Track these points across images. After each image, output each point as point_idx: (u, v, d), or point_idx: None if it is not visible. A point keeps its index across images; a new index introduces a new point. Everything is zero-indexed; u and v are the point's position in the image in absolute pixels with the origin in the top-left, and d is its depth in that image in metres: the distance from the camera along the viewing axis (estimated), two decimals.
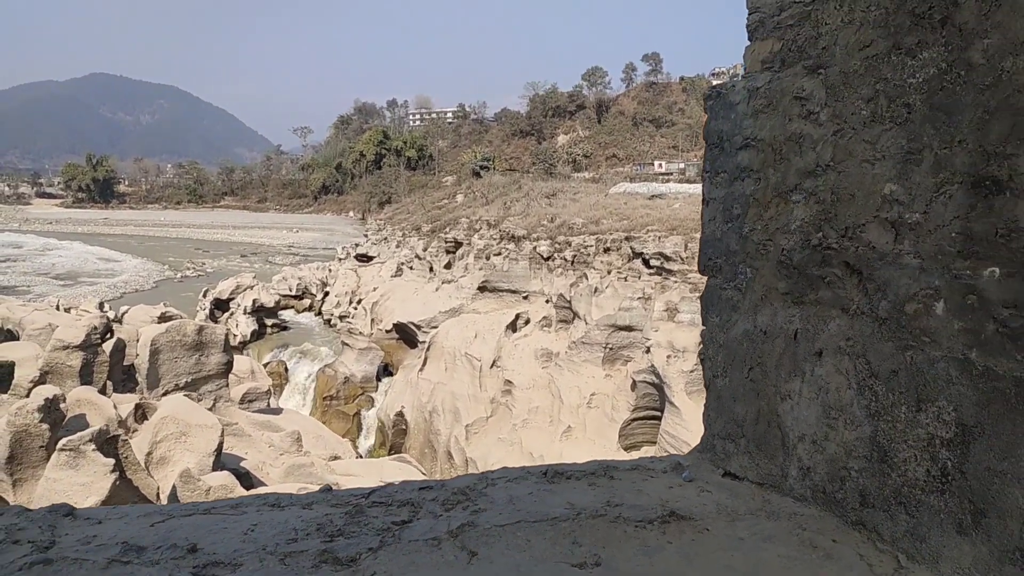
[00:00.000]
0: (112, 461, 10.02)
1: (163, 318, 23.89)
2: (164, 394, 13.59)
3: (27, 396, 10.71)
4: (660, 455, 2.96)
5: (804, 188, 2.46)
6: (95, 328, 13.53)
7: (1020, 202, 1.87)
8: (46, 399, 10.11)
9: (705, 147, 2.89)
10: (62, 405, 10.42)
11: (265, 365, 28.53)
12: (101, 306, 25.88)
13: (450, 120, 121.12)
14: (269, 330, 36.36)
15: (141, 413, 12.07)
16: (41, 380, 12.19)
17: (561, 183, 49.24)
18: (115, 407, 11.02)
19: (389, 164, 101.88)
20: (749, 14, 2.71)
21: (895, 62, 2.18)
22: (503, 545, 2.15)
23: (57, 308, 22.34)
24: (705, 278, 2.89)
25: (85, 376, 13.05)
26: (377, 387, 29.70)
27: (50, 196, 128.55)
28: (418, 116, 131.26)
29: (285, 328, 37.90)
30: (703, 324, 2.89)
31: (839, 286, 2.35)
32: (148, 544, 2.12)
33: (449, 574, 2.00)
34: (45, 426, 10.08)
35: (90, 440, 9.54)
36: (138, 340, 14.88)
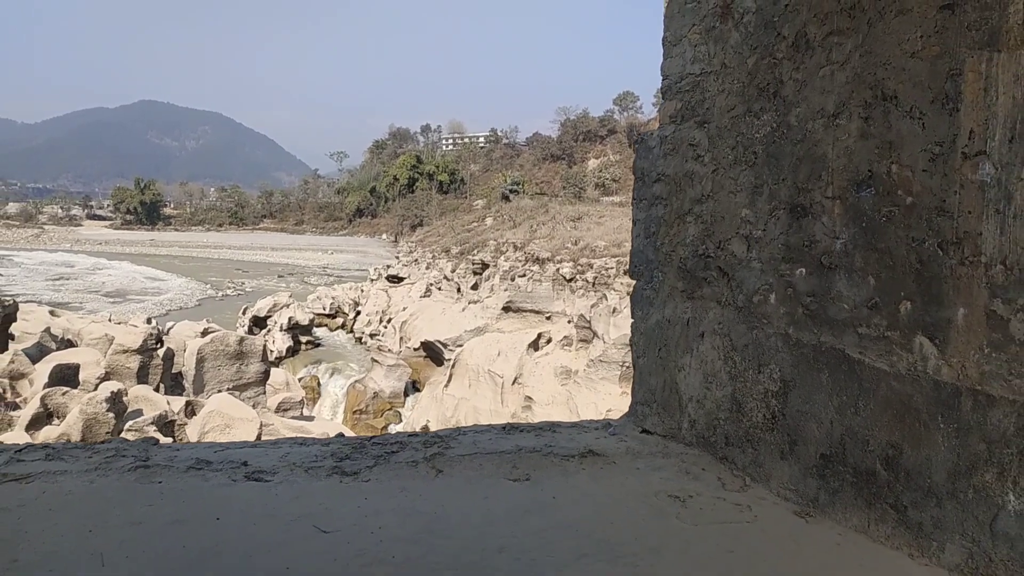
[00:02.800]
0: (170, 440, 11.31)
1: (205, 333, 25.10)
2: (186, 403, 14.94)
3: (94, 390, 12.08)
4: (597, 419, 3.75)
5: (694, 212, 3.28)
6: (151, 335, 14.98)
7: (817, 222, 2.67)
8: (112, 392, 11.54)
9: (634, 181, 3.73)
10: (124, 399, 11.76)
11: (299, 380, 29.79)
12: (148, 321, 27.34)
13: (482, 145, 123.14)
14: (303, 347, 37.80)
15: (191, 409, 13.37)
16: (106, 378, 13.61)
17: (588, 207, 50.09)
18: (168, 403, 12.29)
19: (422, 188, 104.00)
20: (662, 80, 3.55)
21: (748, 121, 3.01)
22: (462, 467, 2.99)
23: (109, 321, 24.04)
24: (634, 282, 3.71)
25: (141, 377, 14.51)
26: (404, 402, 30.70)
27: (100, 218, 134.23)
28: (451, 141, 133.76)
29: (318, 345, 39.31)
30: (632, 317, 3.71)
31: (715, 285, 3.15)
32: (213, 460, 3.01)
33: (421, 482, 2.85)
34: (111, 415, 11.45)
35: (152, 423, 10.81)
36: (185, 350, 16.27)
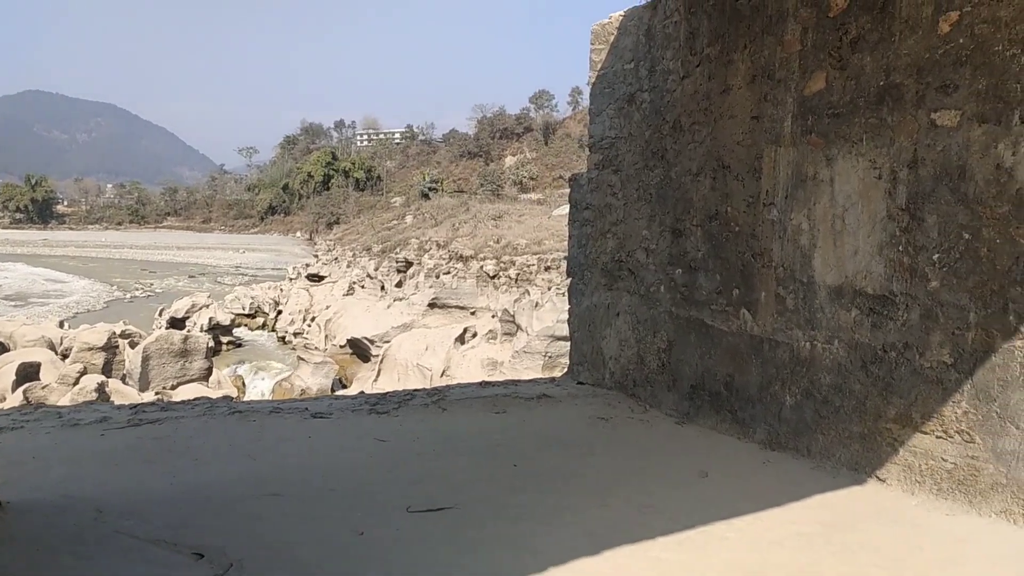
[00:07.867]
0: None
1: (123, 336, 24.76)
2: (155, 395, 15.40)
3: (75, 384, 12.44)
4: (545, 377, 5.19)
5: (612, 231, 4.79)
6: (114, 334, 15.24)
7: (687, 240, 4.22)
8: (98, 383, 11.98)
9: (569, 206, 5.20)
10: (107, 389, 12.20)
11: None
12: (61, 324, 26.62)
13: (398, 141, 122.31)
14: (224, 347, 37.36)
15: (161, 400, 13.88)
16: (83, 372, 13.89)
17: (508, 205, 51.69)
18: (139, 395, 12.78)
19: (337, 185, 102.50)
20: (589, 138, 5.04)
21: (646, 172, 4.53)
22: (459, 407, 4.36)
23: (26, 323, 23.35)
24: (569, 279, 5.19)
25: (106, 372, 14.84)
26: None
27: None
28: (366, 137, 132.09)
29: (240, 345, 38.90)
30: (569, 304, 5.18)
31: (626, 280, 4.67)
32: (283, 408, 4.24)
33: (433, 416, 4.19)
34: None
35: None
36: (125, 350, 16.61)
